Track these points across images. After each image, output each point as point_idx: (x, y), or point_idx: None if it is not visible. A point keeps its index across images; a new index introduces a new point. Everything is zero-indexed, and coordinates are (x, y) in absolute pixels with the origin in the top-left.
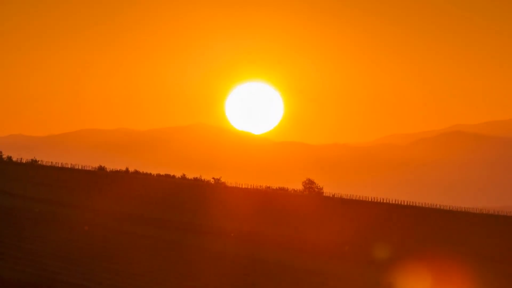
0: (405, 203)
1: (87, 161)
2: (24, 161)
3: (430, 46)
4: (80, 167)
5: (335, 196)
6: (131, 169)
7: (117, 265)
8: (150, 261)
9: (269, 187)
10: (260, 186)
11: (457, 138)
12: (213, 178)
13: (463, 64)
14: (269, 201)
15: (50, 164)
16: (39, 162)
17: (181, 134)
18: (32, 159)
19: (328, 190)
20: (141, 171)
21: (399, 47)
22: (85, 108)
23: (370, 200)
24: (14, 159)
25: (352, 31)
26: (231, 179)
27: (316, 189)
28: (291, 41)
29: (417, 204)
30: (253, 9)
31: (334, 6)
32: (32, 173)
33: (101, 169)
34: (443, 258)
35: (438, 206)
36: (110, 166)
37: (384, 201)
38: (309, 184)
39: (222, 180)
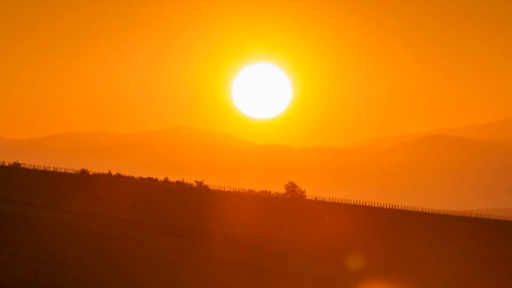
0: (387, 206)
1: (70, 164)
2: (6, 164)
3: (413, 50)
4: (62, 170)
5: (317, 199)
6: (114, 172)
7: (100, 268)
8: (132, 265)
9: (251, 190)
10: (243, 189)
11: (439, 142)
12: (196, 181)
13: (446, 67)
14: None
15: (32, 167)
16: (22, 165)
17: (164, 137)
18: (14, 162)
19: (311, 193)
20: (123, 174)
21: (381, 51)
22: (67, 111)
23: (352, 203)
24: None
25: (335, 35)
26: (214, 182)
27: (298, 192)
28: (269, 43)
29: (399, 207)
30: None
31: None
32: (15, 176)
33: (84, 172)
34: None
35: (420, 209)
36: (92, 169)
37: (366, 204)
38: (292, 187)
39: (205, 183)
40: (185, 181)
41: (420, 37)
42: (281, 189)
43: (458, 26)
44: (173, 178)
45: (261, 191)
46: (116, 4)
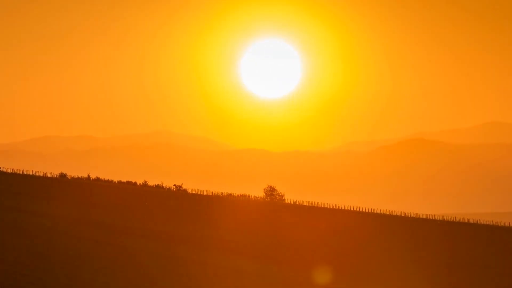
0: (366, 210)
1: (49, 168)
2: None
3: (392, 55)
4: (41, 174)
5: (296, 203)
6: (93, 176)
7: (79, 271)
8: (107, 268)
9: (230, 194)
10: (221, 193)
11: (418, 146)
12: (175, 185)
13: (425, 72)
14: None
15: (11, 171)
16: (1, 169)
17: (143, 141)
18: None
19: (290, 197)
20: (102, 178)
21: (362, 55)
22: (46, 115)
23: (332, 207)
24: None
25: (321, 38)
26: (193, 186)
27: (277, 196)
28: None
29: (378, 211)
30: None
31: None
32: None
33: (63, 176)
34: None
35: (399, 213)
36: (71, 173)
37: (345, 208)
38: (271, 191)
39: (184, 187)
40: (164, 185)
41: (400, 43)
42: (260, 193)
43: (438, 32)
44: (152, 182)
45: (240, 194)
46: (95, 7)
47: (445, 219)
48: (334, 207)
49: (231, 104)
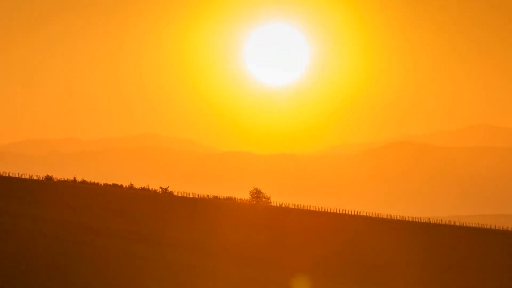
0: (352, 213)
1: (35, 171)
2: None
3: (378, 58)
4: (27, 177)
5: (282, 205)
6: (79, 179)
7: (64, 275)
8: (92, 271)
9: (216, 196)
10: (208, 196)
11: (404, 148)
12: (161, 187)
13: (411, 75)
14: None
15: None
16: None
17: (129, 143)
18: None
19: (276, 200)
20: (88, 180)
21: (348, 59)
22: (32, 118)
23: (317, 210)
24: None
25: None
26: (179, 189)
27: (263, 199)
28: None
29: (365, 214)
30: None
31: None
32: None
33: (49, 178)
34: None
35: (385, 215)
36: (58, 176)
37: (331, 210)
38: (256, 193)
39: (170, 189)
40: (150, 188)
41: (385, 46)
42: (246, 195)
43: (424, 35)
44: (138, 185)
45: (226, 197)
46: (79, 9)
47: (431, 222)
48: (320, 209)
49: (218, 106)
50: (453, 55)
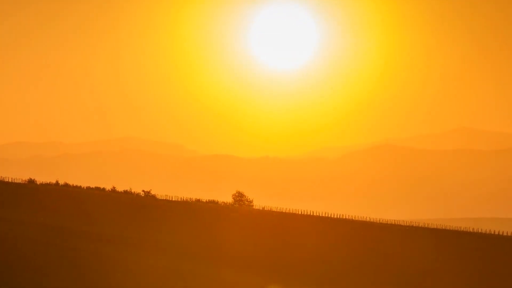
0: (335, 216)
1: (17, 174)
2: None
3: (360, 60)
4: (10, 180)
5: (265, 209)
6: (61, 182)
7: (47, 278)
8: (73, 275)
9: (199, 199)
10: (190, 199)
11: (387, 151)
12: (143, 191)
13: (393, 77)
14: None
15: None
16: None
17: (111, 147)
18: None
19: (259, 203)
20: (71, 184)
21: (330, 61)
22: (15, 121)
23: (300, 213)
24: None
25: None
26: (162, 192)
27: (246, 202)
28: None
29: (348, 217)
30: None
31: None
32: None
33: (31, 182)
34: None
35: (368, 218)
36: (40, 179)
37: (314, 213)
38: (239, 197)
39: (152, 193)
40: (132, 191)
41: (368, 47)
42: (229, 199)
43: (407, 39)
44: (120, 188)
45: (209, 200)
46: (61, 10)
47: (414, 225)
48: (303, 213)
49: (201, 109)
50: (434, 59)
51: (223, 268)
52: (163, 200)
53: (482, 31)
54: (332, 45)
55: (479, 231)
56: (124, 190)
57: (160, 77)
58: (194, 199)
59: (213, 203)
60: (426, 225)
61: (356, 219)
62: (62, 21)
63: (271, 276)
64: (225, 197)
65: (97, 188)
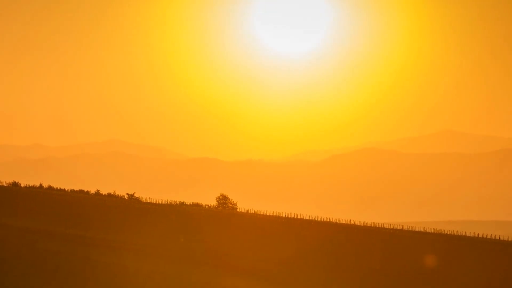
0: (318, 219)
1: (1, 177)
2: None
3: (343, 64)
4: None
5: (249, 211)
6: (45, 185)
7: (28, 281)
8: (57, 280)
9: (183, 202)
10: (174, 202)
11: (370, 155)
12: (127, 194)
13: (377, 81)
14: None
15: None
16: None
17: (95, 150)
18: None
19: (242, 206)
20: (55, 187)
21: (313, 68)
22: None
23: (284, 216)
24: None
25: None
26: (146, 195)
27: (230, 205)
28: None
29: (331, 220)
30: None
31: None
32: None
33: (15, 185)
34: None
35: (351, 221)
36: (24, 182)
37: (297, 217)
38: (223, 199)
39: (136, 195)
40: (116, 194)
41: (351, 51)
42: (213, 202)
43: (391, 41)
44: (104, 191)
45: (193, 203)
46: (44, 12)
47: (398, 228)
48: (286, 215)
49: (185, 113)
50: (418, 63)
51: (206, 271)
52: (147, 203)
53: (465, 34)
54: (314, 53)
55: (463, 234)
56: (108, 193)
57: (144, 80)
58: (178, 202)
59: (197, 206)
60: (410, 228)
61: (340, 222)
62: (43, 24)
63: (249, 279)
64: (209, 200)
65: (81, 191)
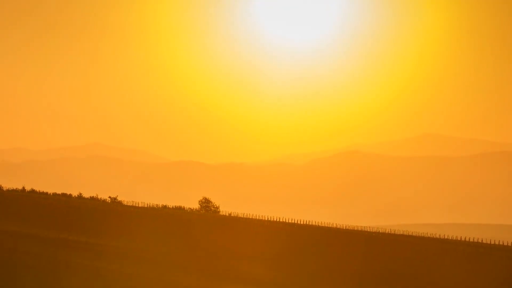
0: (300, 222)
1: None
2: None
3: (327, 66)
4: None
5: (231, 215)
6: (28, 188)
7: (10, 283)
8: (38, 283)
9: (165, 206)
10: (157, 205)
11: (353, 158)
12: (110, 197)
13: (359, 83)
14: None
15: None
16: None
17: (77, 153)
18: None
19: (225, 209)
20: (37, 190)
21: (297, 72)
22: None
23: (266, 219)
24: None
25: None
26: (128, 198)
27: (212, 208)
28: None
29: (313, 223)
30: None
31: None
32: None
33: None
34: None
35: (334, 224)
36: (6, 185)
37: (281, 220)
38: (206, 203)
39: (119, 199)
40: (99, 197)
41: (335, 54)
42: (196, 205)
43: (374, 43)
44: (87, 194)
45: (175, 206)
46: (26, 14)
47: (380, 231)
48: (269, 218)
49: (167, 116)
50: (401, 65)
51: (189, 274)
52: (129, 206)
53: (450, 37)
54: (296, 57)
55: (445, 237)
56: (90, 196)
57: (126, 83)
58: (160, 205)
59: (179, 209)
60: (393, 232)
61: (322, 225)
62: (22, 27)
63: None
64: (192, 203)
65: (64, 195)
